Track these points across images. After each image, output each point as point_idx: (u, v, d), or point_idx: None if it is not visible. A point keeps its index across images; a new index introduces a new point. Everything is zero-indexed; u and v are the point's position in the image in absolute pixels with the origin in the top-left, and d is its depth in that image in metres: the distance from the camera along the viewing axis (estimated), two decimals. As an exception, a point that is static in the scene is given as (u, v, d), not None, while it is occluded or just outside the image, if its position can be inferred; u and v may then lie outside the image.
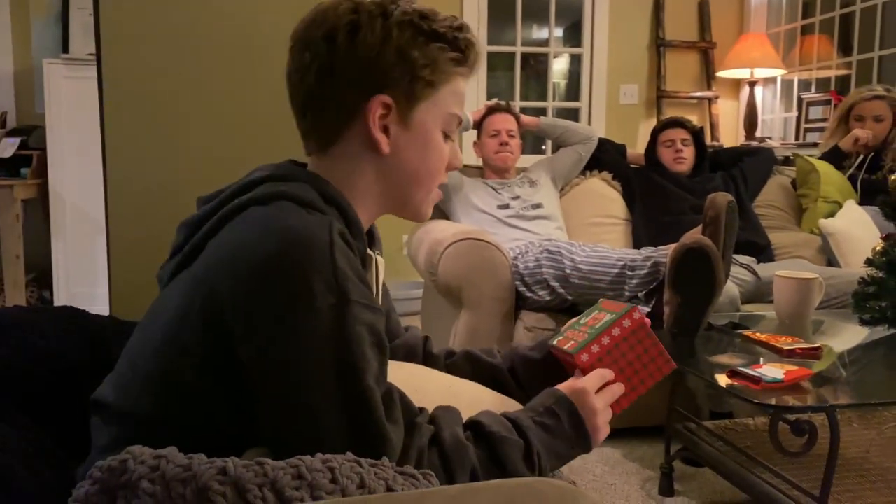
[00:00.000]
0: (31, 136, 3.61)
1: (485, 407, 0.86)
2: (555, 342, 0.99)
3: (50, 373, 0.84)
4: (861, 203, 2.84)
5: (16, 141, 3.55)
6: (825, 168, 2.97)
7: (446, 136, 0.88)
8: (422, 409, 0.81)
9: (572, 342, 0.95)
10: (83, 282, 3.58)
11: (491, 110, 2.84)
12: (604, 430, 0.88)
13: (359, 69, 0.81)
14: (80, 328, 0.94)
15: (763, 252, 2.73)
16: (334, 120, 0.84)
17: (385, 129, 0.84)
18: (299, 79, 0.84)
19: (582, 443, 0.86)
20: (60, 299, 3.62)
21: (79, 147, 3.52)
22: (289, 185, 0.80)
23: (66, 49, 3.76)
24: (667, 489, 1.96)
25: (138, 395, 0.77)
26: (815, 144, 3.58)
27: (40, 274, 3.71)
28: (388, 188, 0.87)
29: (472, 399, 0.92)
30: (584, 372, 0.91)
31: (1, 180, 3.42)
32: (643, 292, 1.98)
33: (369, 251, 0.87)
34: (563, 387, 0.89)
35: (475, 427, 0.81)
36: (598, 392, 0.89)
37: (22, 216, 3.41)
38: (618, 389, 0.92)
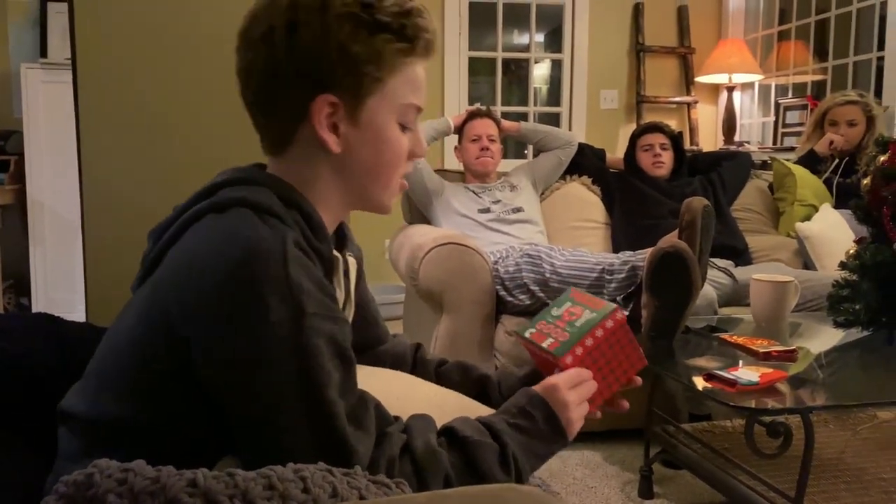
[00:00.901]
0: (9, 141, 3.57)
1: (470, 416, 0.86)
2: (527, 335, 0.98)
3: (19, 380, 0.83)
4: (836, 206, 2.88)
5: (-8, 146, 3.52)
6: (801, 172, 3.01)
7: (404, 128, 0.85)
8: (397, 418, 0.80)
9: (552, 340, 0.94)
10: (61, 288, 3.55)
11: (472, 115, 2.85)
12: (577, 423, 0.88)
13: (300, 69, 0.78)
14: (54, 335, 0.93)
15: (740, 255, 2.75)
16: (284, 121, 0.82)
17: (335, 128, 0.81)
18: (245, 79, 0.82)
19: (558, 439, 0.86)
20: (39, 306, 3.58)
21: (57, 152, 3.49)
22: (249, 189, 0.78)
23: (44, 53, 3.73)
24: (646, 492, 1.97)
25: (105, 404, 0.76)
26: (793, 148, 3.63)
27: (18, 280, 3.67)
28: (347, 185, 0.84)
29: (458, 408, 0.91)
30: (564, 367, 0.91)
31: (-23, 186, 3.39)
32: (621, 296, 1.99)
33: (337, 253, 0.86)
34: (536, 386, 0.89)
35: (449, 433, 0.80)
36: (572, 388, 0.89)
37: (-1, 222, 3.38)
38: (592, 385, 0.92)
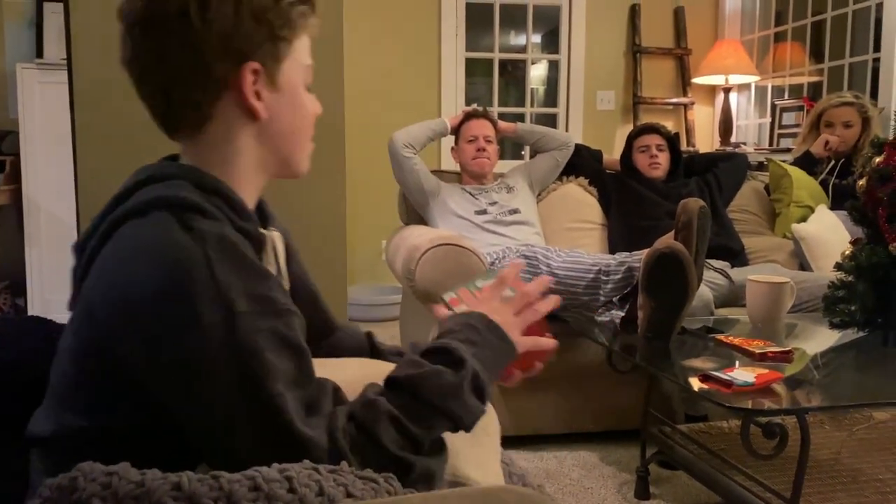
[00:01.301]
0: (5, 141, 3.56)
1: None
2: (446, 297, 0.98)
3: (11, 385, 0.83)
4: (832, 208, 2.88)
5: (-12, 146, 3.51)
6: (798, 173, 3.02)
7: (306, 88, 0.88)
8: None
9: (466, 308, 0.94)
10: (57, 289, 3.53)
11: (468, 116, 2.85)
12: (517, 335, 0.88)
13: (221, 42, 0.78)
14: (45, 338, 0.92)
15: (737, 256, 2.76)
16: (204, 97, 0.81)
17: (258, 95, 0.82)
18: (153, 61, 0.80)
19: (504, 345, 0.86)
20: (34, 307, 3.57)
21: (53, 153, 3.48)
22: (165, 185, 0.77)
23: (40, 54, 3.72)
24: (642, 492, 1.97)
25: (67, 423, 0.76)
26: (789, 150, 3.63)
27: (14, 281, 3.65)
28: (270, 152, 0.86)
29: None
30: None
31: (-27, 186, 3.38)
32: (618, 297, 1.99)
33: (263, 230, 0.85)
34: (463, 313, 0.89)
35: (386, 381, 0.79)
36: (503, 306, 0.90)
37: (-6, 223, 3.37)
38: (520, 301, 0.91)
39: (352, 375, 0.83)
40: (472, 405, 0.78)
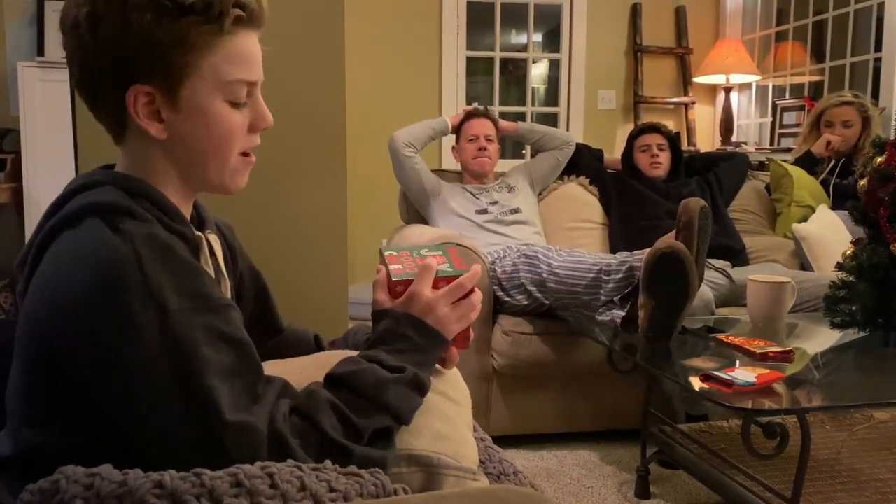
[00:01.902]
0: (5, 139, 3.56)
1: None
2: (386, 253, 0.98)
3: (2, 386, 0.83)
4: (833, 207, 2.88)
5: (-11, 145, 3.50)
6: (798, 173, 3.02)
7: (235, 104, 0.82)
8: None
9: (399, 267, 0.94)
10: (58, 287, 3.53)
11: (469, 115, 2.85)
12: (450, 321, 0.88)
13: (108, 62, 0.77)
14: None
15: (738, 256, 2.76)
16: (110, 112, 0.81)
17: (158, 115, 0.80)
18: (69, 68, 0.81)
19: (433, 341, 0.86)
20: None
21: (54, 151, 3.47)
22: (94, 192, 0.78)
23: (41, 52, 3.72)
24: (643, 492, 1.97)
25: (26, 439, 0.76)
26: (790, 149, 3.63)
27: (14, 279, 3.65)
28: (183, 169, 0.83)
29: None
30: (391, 288, 0.91)
31: (-27, 184, 3.37)
32: (618, 296, 1.99)
33: (198, 233, 0.86)
34: (401, 299, 0.89)
35: (326, 377, 0.81)
36: (440, 294, 0.88)
37: (-5, 221, 3.36)
38: (462, 289, 0.90)
39: (311, 375, 0.83)
40: (412, 401, 0.81)
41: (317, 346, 1.10)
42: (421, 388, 0.82)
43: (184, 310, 0.71)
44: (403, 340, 0.84)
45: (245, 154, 0.86)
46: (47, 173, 3.51)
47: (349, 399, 0.77)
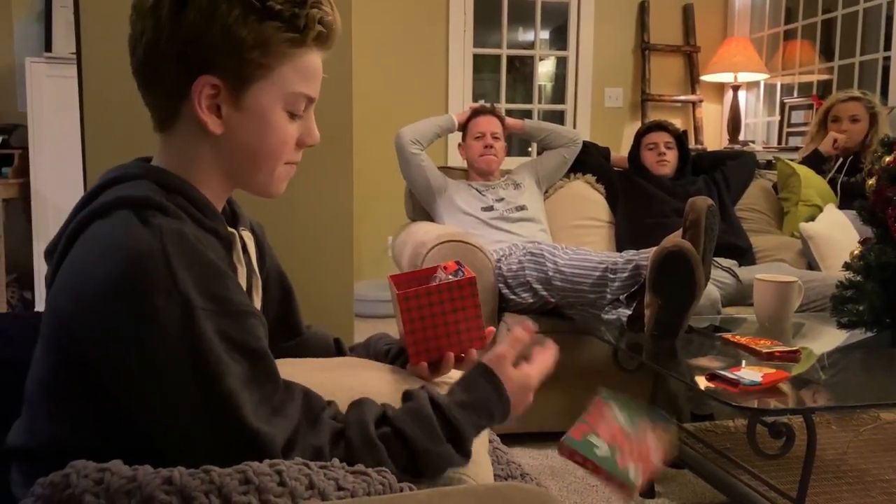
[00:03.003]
0: (13, 134, 3.58)
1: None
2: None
3: (13, 379, 0.83)
4: (841, 206, 2.87)
5: (-3, 140, 3.52)
6: (806, 172, 3.00)
7: (293, 115, 0.83)
8: (330, 403, 0.80)
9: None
10: (65, 282, 3.54)
11: (476, 112, 2.84)
12: (520, 396, 0.89)
13: (182, 48, 0.77)
14: None
15: (744, 255, 2.75)
16: (166, 98, 0.81)
17: (217, 109, 0.80)
18: (133, 49, 0.81)
19: (500, 406, 0.86)
20: (42, 300, 3.59)
21: (61, 146, 3.49)
22: (127, 186, 0.78)
23: (48, 48, 3.73)
24: (648, 491, 1.97)
25: (42, 432, 0.77)
26: (798, 148, 3.62)
27: (22, 274, 3.67)
28: (228, 167, 0.84)
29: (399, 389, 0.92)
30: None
31: (-18, 179, 3.39)
32: (625, 295, 1.99)
33: (231, 230, 0.86)
34: (485, 357, 0.90)
35: (390, 423, 0.79)
36: (520, 366, 0.90)
37: (3, 216, 3.38)
38: (545, 364, 0.93)
39: (375, 388, 0.83)
40: (449, 460, 0.80)
41: (337, 349, 1.10)
42: (464, 452, 0.82)
43: (205, 310, 0.70)
44: (482, 407, 0.85)
45: (287, 164, 0.87)
46: (54, 169, 3.52)
47: (401, 458, 0.77)
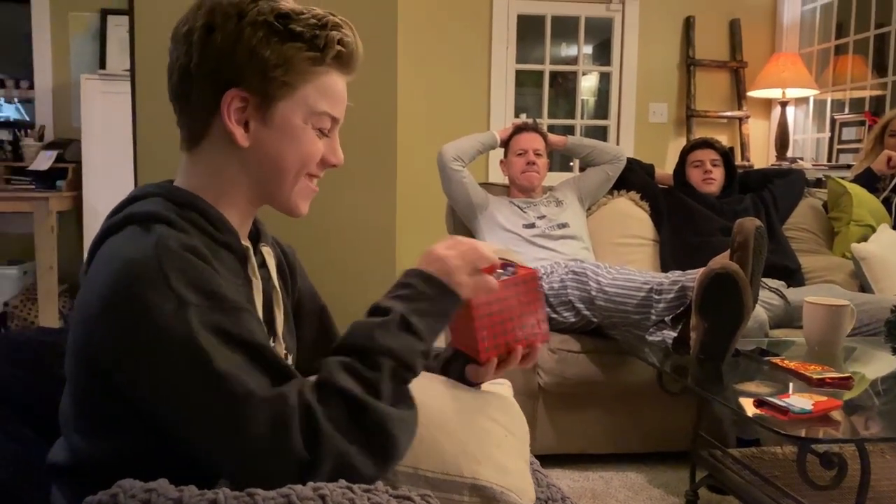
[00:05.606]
0: (68, 149, 3.69)
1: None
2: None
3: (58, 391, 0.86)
4: (895, 227, 2.78)
5: (52, 154, 3.63)
6: (858, 191, 2.92)
7: (322, 133, 0.88)
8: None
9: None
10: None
11: (518, 129, 2.83)
12: (463, 277, 0.88)
13: (213, 65, 0.83)
14: None
15: (793, 276, 2.68)
16: (198, 116, 0.86)
17: (245, 124, 0.85)
18: (169, 74, 0.87)
19: (444, 295, 0.86)
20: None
21: (113, 160, 3.58)
22: (141, 203, 0.83)
23: (102, 65, 3.85)
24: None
25: (77, 447, 0.79)
26: (849, 166, 3.53)
27: (73, 285, 3.77)
28: (253, 181, 0.87)
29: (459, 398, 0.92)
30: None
31: (37, 192, 3.50)
32: (670, 317, 1.95)
33: (245, 243, 0.88)
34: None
35: (333, 348, 0.81)
36: (448, 248, 0.90)
37: (56, 228, 3.48)
38: (472, 248, 0.91)
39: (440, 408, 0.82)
40: (404, 340, 0.80)
41: None
42: (410, 329, 0.81)
43: (199, 306, 0.73)
44: (404, 288, 0.86)
45: (309, 177, 0.90)
46: (106, 183, 3.61)
47: (352, 355, 0.78)
